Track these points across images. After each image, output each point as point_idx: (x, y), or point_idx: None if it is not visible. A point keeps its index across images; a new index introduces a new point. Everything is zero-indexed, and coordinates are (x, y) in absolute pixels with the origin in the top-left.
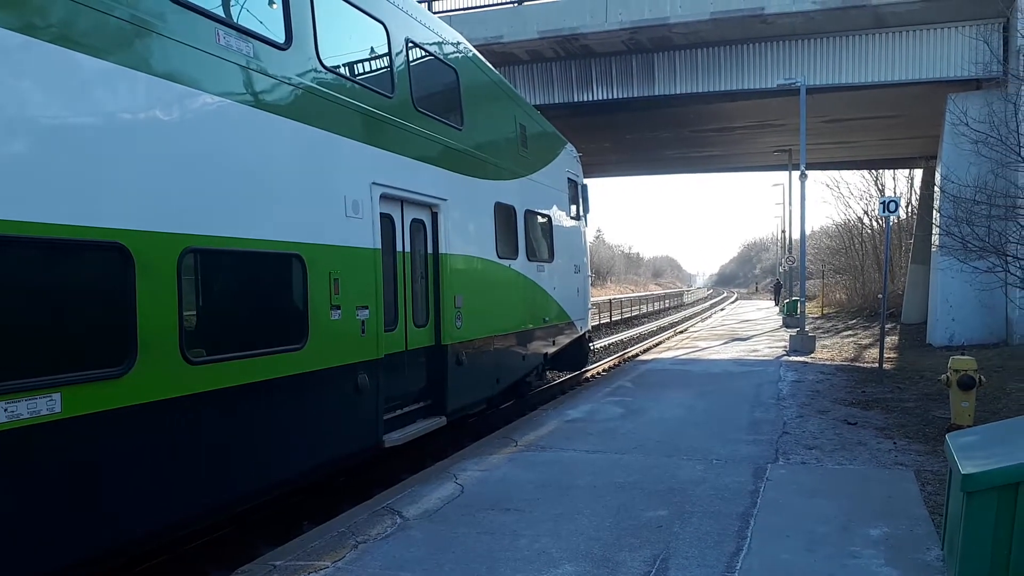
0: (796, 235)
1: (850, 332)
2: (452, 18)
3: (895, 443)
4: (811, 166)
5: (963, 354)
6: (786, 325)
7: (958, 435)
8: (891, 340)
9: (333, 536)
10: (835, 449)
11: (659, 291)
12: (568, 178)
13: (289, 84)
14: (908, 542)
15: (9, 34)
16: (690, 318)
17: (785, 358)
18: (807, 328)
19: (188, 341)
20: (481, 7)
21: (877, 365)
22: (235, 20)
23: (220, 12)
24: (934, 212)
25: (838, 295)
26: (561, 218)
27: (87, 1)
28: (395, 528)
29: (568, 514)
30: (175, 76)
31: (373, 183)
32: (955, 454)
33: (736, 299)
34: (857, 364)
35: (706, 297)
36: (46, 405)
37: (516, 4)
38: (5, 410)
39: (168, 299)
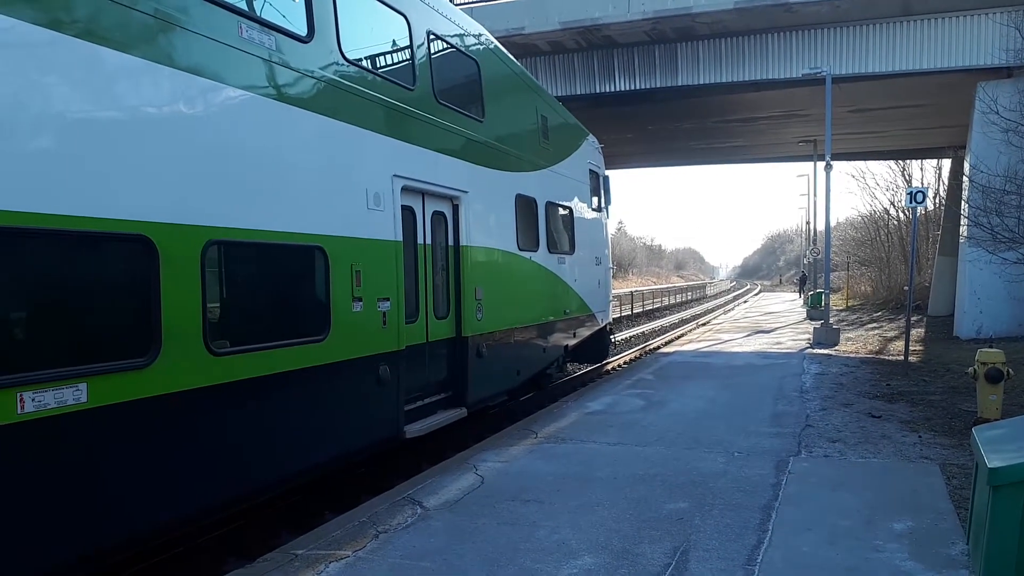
0: (821, 226)
1: (875, 324)
2: (473, 10)
3: (920, 437)
4: (836, 156)
5: (991, 347)
6: (810, 317)
7: (985, 428)
8: (917, 332)
9: (354, 525)
10: (859, 442)
11: (681, 283)
12: (590, 169)
13: (311, 77)
14: (933, 536)
15: (37, 29)
16: (712, 310)
17: (809, 350)
18: (831, 320)
19: (212, 332)
20: None
21: (902, 358)
22: (257, 13)
23: (243, 5)
24: (962, 203)
25: (863, 287)
26: (582, 210)
27: (131, 3)
28: (416, 518)
29: (588, 506)
30: (198, 70)
31: (395, 175)
32: (982, 447)
33: (760, 291)
34: (882, 357)
35: (729, 289)
36: (72, 395)
37: None
38: (33, 399)
39: (192, 291)
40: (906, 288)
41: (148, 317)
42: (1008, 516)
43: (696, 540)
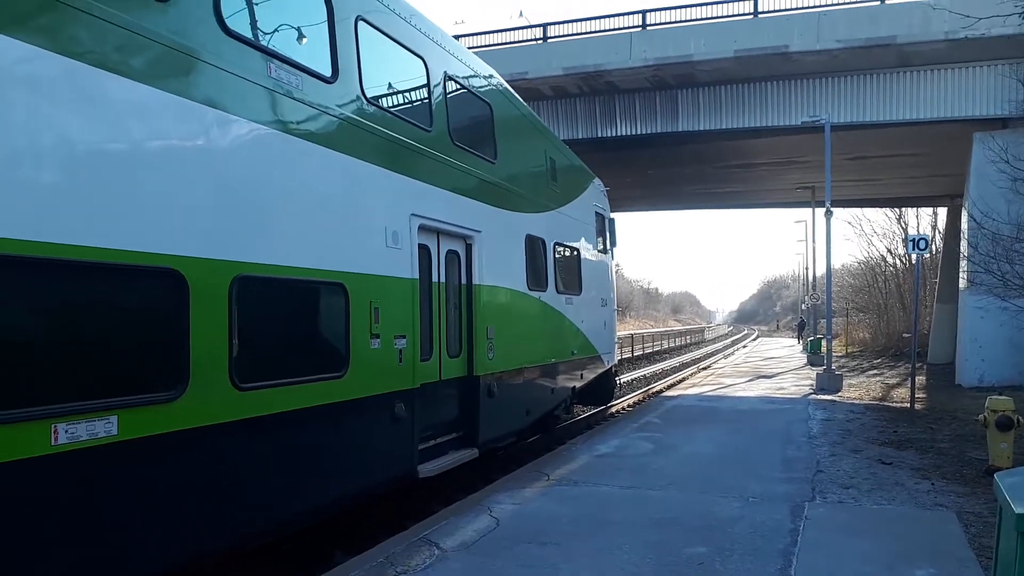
0: (819, 272)
1: (876, 371)
2: (478, 54)
3: (933, 484)
4: (835, 203)
5: (1000, 394)
6: (811, 363)
7: (1007, 475)
8: (919, 380)
9: (372, 566)
10: (872, 489)
11: (680, 327)
12: (596, 212)
13: (335, 117)
14: None
15: (77, 64)
16: (712, 355)
17: (812, 396)
18: (833, 366)
19: (237, 367)
20: (507, 44)
21: (907, 405)
22: (285, 54)
23: (272, 46)
24: (962, 250)
25: (861, 334)
26: (589, 251)
27: (150, 35)
28: (433, 559)
29: (607, 549)
30: (230, 107)
31: (412, 214)
32: (1006, 493)
33: (757, 336)
34: (886, 403)
35: (727, 334)
36: (104, 427)
37: (541, 41)
38: (66, 431)
39: (220, 325)
40: (906, 335)
41: (177, 351)
42: None
43: None
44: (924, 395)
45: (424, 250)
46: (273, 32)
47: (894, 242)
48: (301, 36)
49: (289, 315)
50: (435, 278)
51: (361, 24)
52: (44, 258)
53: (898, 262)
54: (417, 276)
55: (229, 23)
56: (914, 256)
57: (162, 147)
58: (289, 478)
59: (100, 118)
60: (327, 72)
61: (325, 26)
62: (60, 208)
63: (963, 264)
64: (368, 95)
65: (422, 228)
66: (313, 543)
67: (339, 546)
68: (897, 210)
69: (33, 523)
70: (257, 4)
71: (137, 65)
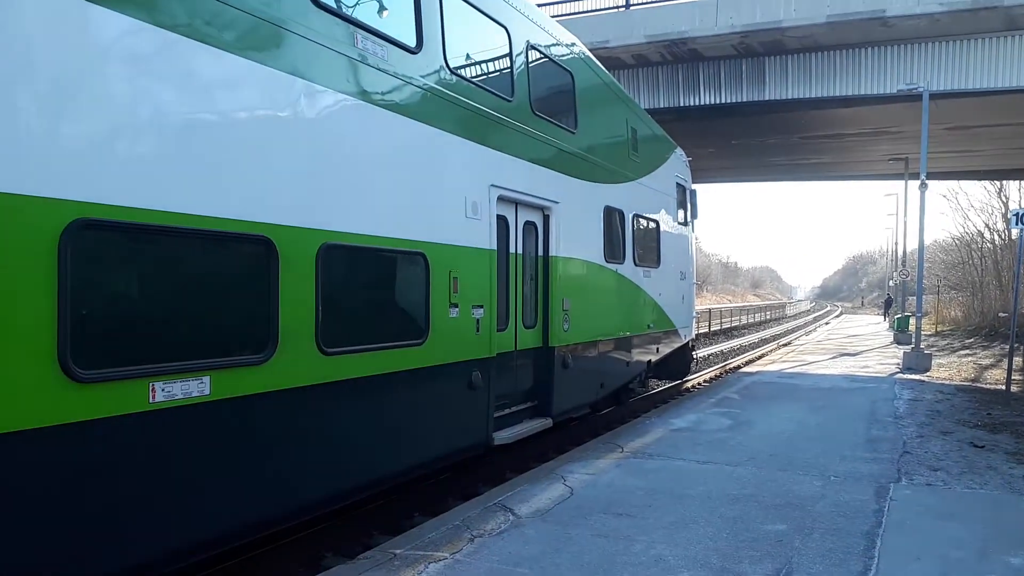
0: (910, 247)
1: (967, 351)
2: (559, 23)
3: None
4: (929, 176)
5: None
6: (897, 342)
7: None
8: (1016, 361)
9: (448, 529)
10: (963, 472)
11: (759, 302)
12: (677, 183)
13: (419, 87)
14: None
15: (173, 36)
16: (793, 331)
17: (899, 375)
18: (921, 345)
19: (323, 332)
20: (589, 12)
21: (1002, 387)
22: (371, 24)
23: (358, 16)
24: None
25: (953, 312)
26: (669, 223)
27: (242, 6)
28: (508, 525)
29: (682, 522)
30: (318, 77)
31: (492, 185)
32: None
33: (841, 313)
34: (978, 385)
35: (809, 310)
36: (197, 387)
37: (624, 8)
38: (163, 390)
39: (307, 292)
40: (1002, 314)
41: (267, 315)
42: None
43: (798, 563)
44: (1021, 377)
45: (502, 221)
46: (359, 2)
47: (993, 216)
48: (386, 7)
49: (372, 283)
50: (512, 249)
51: None
52: (148, 224)
53: (996, 238)
54: (495, 247)
55: None
56: (1015, 231)
57: (253, 117)
58: (371, 441)
59: (196, 89)
60: (411, 42)
61: None
62: (167, 177)
63: None
64: (451, 65)
65: (501, 199)
66: (385, 505)
67: (414, 509)
68: (998, 183)
69: (128, 477)
70: None
71: (230, 37)
